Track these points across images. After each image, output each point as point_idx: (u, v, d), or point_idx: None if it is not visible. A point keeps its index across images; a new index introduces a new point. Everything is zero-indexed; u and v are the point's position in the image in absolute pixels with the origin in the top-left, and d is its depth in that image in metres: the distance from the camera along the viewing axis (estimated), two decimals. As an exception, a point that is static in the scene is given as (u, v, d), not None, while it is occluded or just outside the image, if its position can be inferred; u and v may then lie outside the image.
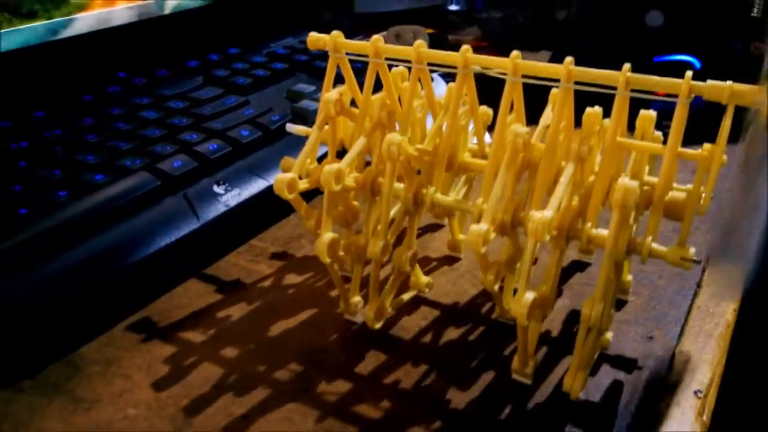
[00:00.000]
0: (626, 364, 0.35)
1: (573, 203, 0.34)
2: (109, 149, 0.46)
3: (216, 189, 0.45)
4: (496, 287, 0.34)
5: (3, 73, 0.53)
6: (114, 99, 0.54)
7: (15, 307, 0.35)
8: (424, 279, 0.41)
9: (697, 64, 0.67)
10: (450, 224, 0.44)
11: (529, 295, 0.30)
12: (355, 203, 0.41)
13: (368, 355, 0.37)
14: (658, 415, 0.32)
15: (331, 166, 0.35)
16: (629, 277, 0.40)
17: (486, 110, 0.42)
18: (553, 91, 0.39)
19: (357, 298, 0.39)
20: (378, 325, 0.38)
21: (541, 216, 0.30)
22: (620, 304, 0.39)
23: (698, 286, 0.41)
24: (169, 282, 0.42)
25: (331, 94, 0.38)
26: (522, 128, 0.33)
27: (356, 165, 0.39)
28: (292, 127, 0.42)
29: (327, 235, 0.35)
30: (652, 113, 0.37)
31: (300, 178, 0.37)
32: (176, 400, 0.34)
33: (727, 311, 0.39)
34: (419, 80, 0.39)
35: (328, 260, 0.36)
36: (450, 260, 0.45)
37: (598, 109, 0.36)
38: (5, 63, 0.53)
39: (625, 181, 0.30)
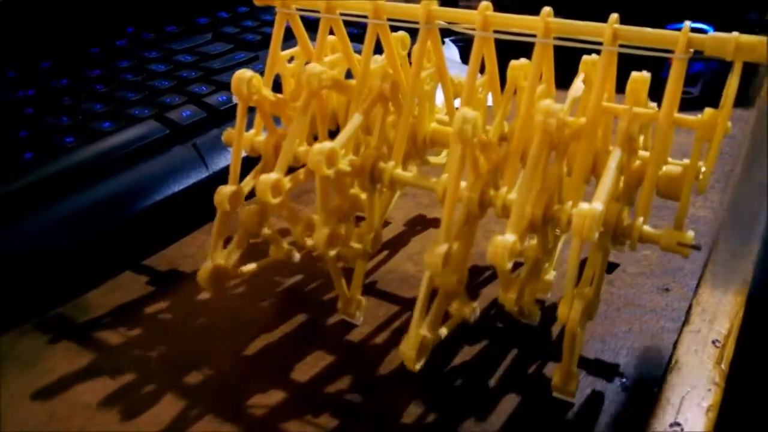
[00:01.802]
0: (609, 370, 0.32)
1: (544, 184, 0.29)
2: (117, 99, 0.45)
3: (225, 140, 0.44)
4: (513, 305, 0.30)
5: (8, 23, 0.52)
6: (122, 52, 0.54)
7: (22, 250, 0.35)
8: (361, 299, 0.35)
9: (711, 31, 0.66)
10: None
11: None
12: (354, 192, 0.35)
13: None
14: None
15: (261, 182, 0.30)
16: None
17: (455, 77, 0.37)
18: (586, 58, 0.34)
19: (358, 298, 0.35)
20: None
21: (590, 209, 0.26)
22: (634, 258, 0.39)
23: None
24: (177, 231, 0.41)
25: (244, 72, 0.33)
26: (471, 113, 0.28)
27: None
28: None
29: (324, 230, 0.31)
30: (646, 74, 0.32)
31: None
32: (185, 343, 0.33)
33: (746, 264, 0.38)
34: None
35: (330, 253, 0.32)
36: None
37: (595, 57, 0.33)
38: (10, 12, 0.52)
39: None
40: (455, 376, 0.31)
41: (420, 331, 0.29)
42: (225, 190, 0.33)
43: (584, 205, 0.26)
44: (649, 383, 0.31)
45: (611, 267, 0.38)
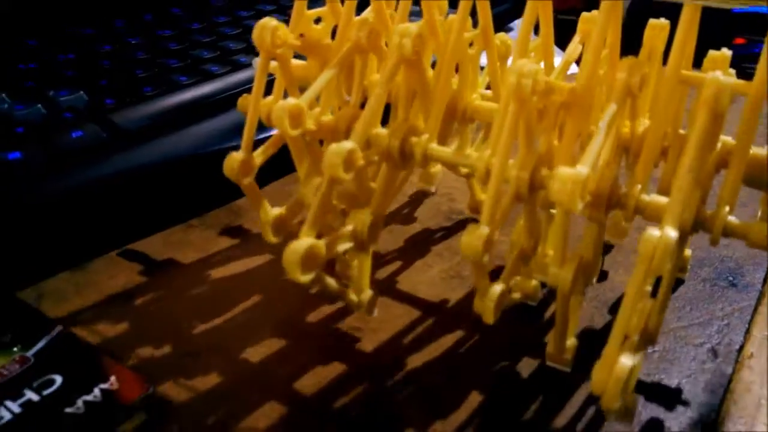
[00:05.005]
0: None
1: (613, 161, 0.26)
2: (220, 48, 0.48)
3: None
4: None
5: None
6: (217, 9, 0.56)
7: (184, 159, 0.39)
8: None
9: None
10: (469, 183, 0.38)
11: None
12: (372, 184, 0.30)
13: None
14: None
15: (284, 102, 0.26)
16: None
17: (504, 39, 0.33)
18: (584, 15, 0.31)
19: (368, 293, 0.30)
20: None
21: (573, 173, 0.21)
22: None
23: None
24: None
25: (269, 20, 0.29)
26: (529, 65, 0.23)
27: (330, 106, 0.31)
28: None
29: (304, 241, 0.24)
30: (727, 52, 0.29)
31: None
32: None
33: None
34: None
35: (304, 279, 0.24)
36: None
37: (664, 22, 0.29)
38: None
39: (716, 74, 0.22)
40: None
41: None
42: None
43: (565, 169, 0.22)
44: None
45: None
